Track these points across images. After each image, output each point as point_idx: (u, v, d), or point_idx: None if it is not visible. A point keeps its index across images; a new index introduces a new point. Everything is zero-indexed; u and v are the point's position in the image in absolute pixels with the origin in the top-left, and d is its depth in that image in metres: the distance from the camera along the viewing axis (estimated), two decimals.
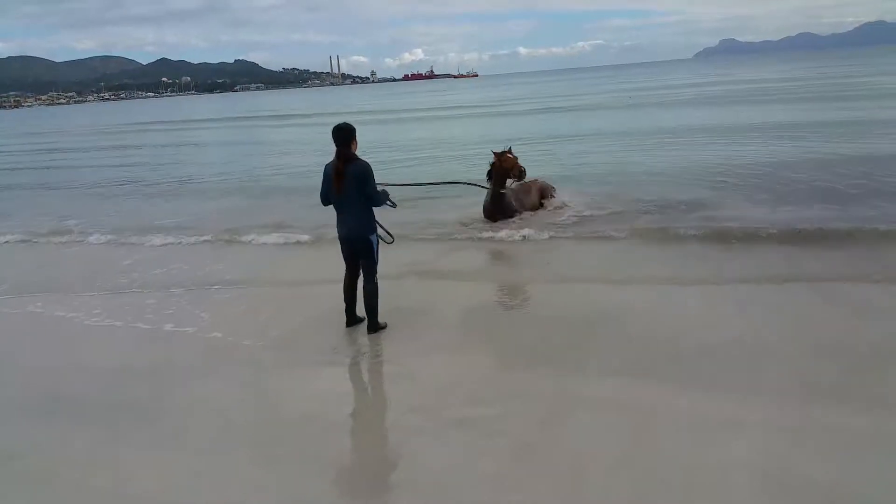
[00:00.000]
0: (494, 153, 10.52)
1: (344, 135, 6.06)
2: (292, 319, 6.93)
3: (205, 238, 10.95)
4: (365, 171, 6.08)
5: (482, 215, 10.75)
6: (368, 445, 4.66)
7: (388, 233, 6.82)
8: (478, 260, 8.92)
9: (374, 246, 6.34)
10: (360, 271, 6.44)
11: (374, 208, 6.30)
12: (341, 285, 6.54)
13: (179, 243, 10.81)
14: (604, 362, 5.47)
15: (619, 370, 5.29)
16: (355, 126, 6.16)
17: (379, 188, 6.24)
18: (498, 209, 10.56)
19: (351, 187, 6.06)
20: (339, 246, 6.47)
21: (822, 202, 10.68)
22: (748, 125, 22.07)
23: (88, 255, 10.63)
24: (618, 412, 4.66)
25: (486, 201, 10.77)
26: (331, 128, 6.15)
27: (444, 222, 10.40)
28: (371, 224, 6.30)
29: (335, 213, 6.31)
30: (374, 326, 6.45)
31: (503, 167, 10.41)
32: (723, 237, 8.89)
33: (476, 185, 11.03)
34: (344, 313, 6.62)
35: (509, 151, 10.52)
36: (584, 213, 10.95)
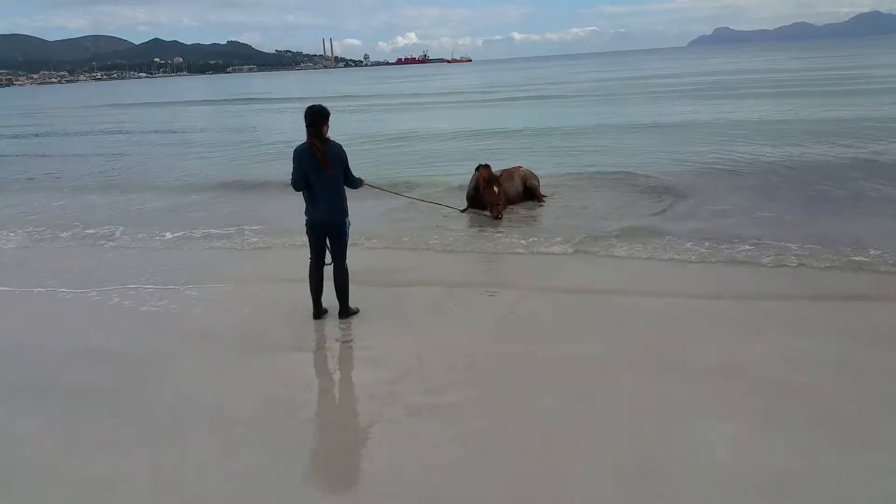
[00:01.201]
0: (483, 177, 10.38)
1: (318, 117, 6.05)
2: (259, 309, 6.87)
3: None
4: (343, 152, 6.19)
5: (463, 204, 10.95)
6: (329, 432, 4.69)
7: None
8: (456, 263, 8.50)
9: (347, 230, 6.35)
10: (327, 258, 6.39)
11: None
12: (305, 284, 6.43)
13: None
14: (567, 355, 5.50)
15: (582, 363, 5.32)
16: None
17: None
18: (481, 199, 10.62)
19: (332, 168, 6.06)
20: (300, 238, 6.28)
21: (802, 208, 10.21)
22: (739, 121, 21.54)
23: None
24: (578, 401, 4.71)
25: (469, 189, 10.97)
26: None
27: (426, 227, 10.08)
28: (346, 208, 6.29)
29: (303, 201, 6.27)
30: (346, 311, 6.46)
31: (482, 187, 10.42)
32: (700, 244, 8.37)
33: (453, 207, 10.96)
34: (312, 305, 6.47)
35: (498, 181, 10.38)
36: (567, 206, 10.99)
